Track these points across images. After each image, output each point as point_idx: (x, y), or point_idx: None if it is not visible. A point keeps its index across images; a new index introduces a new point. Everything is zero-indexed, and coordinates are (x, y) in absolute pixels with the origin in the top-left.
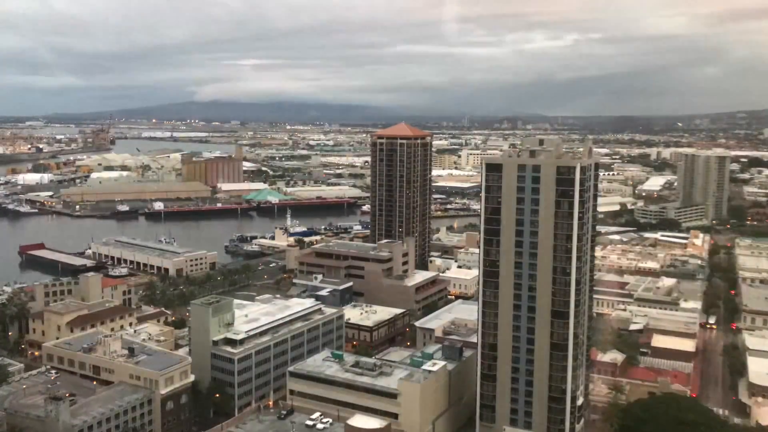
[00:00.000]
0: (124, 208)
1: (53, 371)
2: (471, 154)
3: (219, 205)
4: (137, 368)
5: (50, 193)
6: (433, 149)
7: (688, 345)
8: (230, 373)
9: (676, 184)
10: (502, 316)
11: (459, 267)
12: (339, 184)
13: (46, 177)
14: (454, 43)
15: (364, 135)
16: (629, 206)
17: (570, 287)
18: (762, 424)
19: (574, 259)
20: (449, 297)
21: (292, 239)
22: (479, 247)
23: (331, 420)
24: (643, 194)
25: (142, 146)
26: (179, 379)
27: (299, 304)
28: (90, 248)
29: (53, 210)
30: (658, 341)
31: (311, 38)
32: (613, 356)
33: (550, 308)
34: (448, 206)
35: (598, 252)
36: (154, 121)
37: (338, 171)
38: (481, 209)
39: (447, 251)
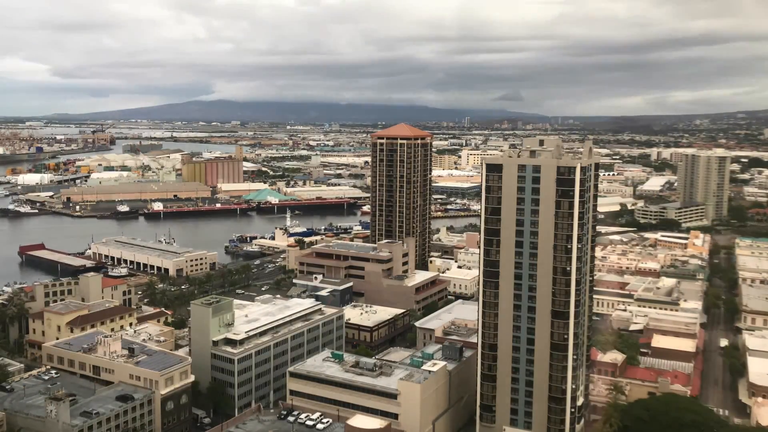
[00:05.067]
0: (124, 208)
1: (53, 371)
2: (471, 154)
3: (218, 205)
4: (137, 368)
5: (50, 193)
6: (433, 149)
7: (688, 345)
8: (230, 373)
9: (676, 184)
10: (502, 316)
11: (459, 267)
12: (339, 184)
13: (46, 177)
14: None
15: (364, 135)
16: (629, 206)
17: (570, 287)
18: (762, 424)
19: (574, 259)
20: (449, 297)
21: (292, 239)
22: (479, 247)
23: (331, 420)
24: (643, 194)
25: (142, 146)
26: (179, 379)
27: (299, 305)
28: (90, 248)
29: (53, 210)
30: (658, 341)
31: None
32: (613, 356)
33: (550, 308)
34: (448, 206)
35: (598, 252)
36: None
37: (338, 171)
38: (481, 209)
39: (447, 251)
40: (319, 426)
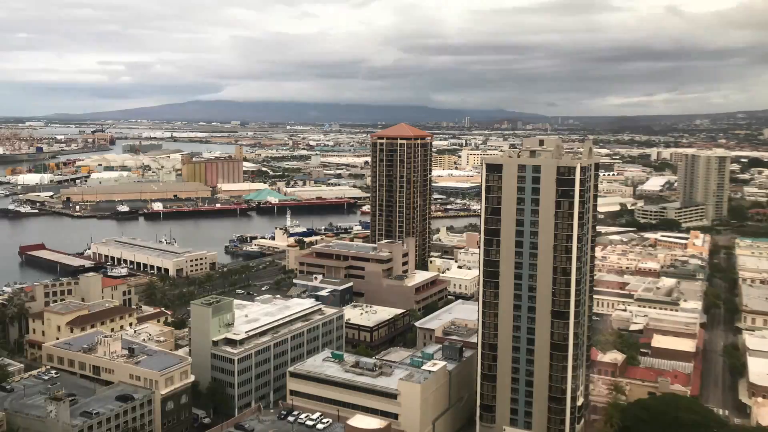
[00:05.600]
0: (124, 208)
1: (53, 371)
2: (471, 154)
3: (218, 205)
4: (137, 368)
5: (50, 193)
6: (433, 149)
7: (688, 345)
8: (230, 373)
9: (676, 184)
10: (502, 316)
11: (459, 267)
12: (339, 184)
13: (46, 177)
14: None
15: (364, 135)
16: (629, 206)
17: (570, 287)
18: (762, 424)
19: (574, 259)
20: (449, 297)
21: (292, 239)
22: (479, 247)
23: (331, 420)
24: (643, 194)
25: (142, 146)
26: (179, 379)
27: (299, 305)
28: (90, 248)
29: (53, 210)
30: (658, 341)
31: None
32: (613, 356)
33: (550, 308)
34: (448, 206)
35: (598, 252)
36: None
37: (338, 171)
38: (481, 209)
39: (447, 251)
40: (319, 426)
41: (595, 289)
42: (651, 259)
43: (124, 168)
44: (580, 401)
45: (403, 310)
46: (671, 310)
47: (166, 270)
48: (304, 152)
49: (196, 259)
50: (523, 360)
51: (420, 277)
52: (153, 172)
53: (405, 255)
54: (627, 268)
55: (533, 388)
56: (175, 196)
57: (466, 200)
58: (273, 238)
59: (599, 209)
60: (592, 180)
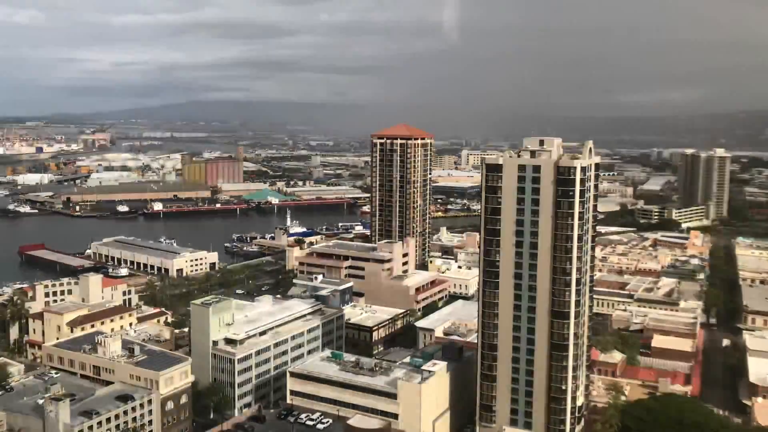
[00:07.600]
0: (124, 208)
1: (53, 371)
2: (471, 154)
3: (218, 205)
4: (137, 368)
5: (50, 193)
6: (433, 149)
7: (688, 345)
8: (230, 373)
9: (676, 184)
10: (502, 316)
11: (459, 267)
12: (339, 184)
13: (46, 177)
14: None
15: (365, 135)
16: (629, 206)
17: (570, 287)
18: (762, 424)
19: (574, 259)
20: (449, 297)
21: (292, 239)
22: (479, 247)
23: (331, 420)
24: (643, 194)
25: (142, 146)
26: (179, 379)
27: (299, 305)
28: (90, 248)
29: (53, 210)
30: (658, 341)
31: None
32: (613, 356)
33: (550, 308)
34: (448, 206)
35: (598, 252)
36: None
37: (338, 171)
38: (481, 209)
39: (447, 251)
40: (319, 426)
41: (595, 289)
42: (651, 259)
43: (124, 168)
44: (580, 401)
45: (403, 310)
46: (671, 310)
47: (166, 270)
48: (304, 152)
49: (196, 259)
50: (523, 360)
51: (420, 277)
52: (153, 172)
53: (405, 255)
54: (627, 268)
55: (533, 388)
56: (175, 196)
57: (466, 200)
58: (273, 238)
59: (599, 209)
60: (592, 180)
